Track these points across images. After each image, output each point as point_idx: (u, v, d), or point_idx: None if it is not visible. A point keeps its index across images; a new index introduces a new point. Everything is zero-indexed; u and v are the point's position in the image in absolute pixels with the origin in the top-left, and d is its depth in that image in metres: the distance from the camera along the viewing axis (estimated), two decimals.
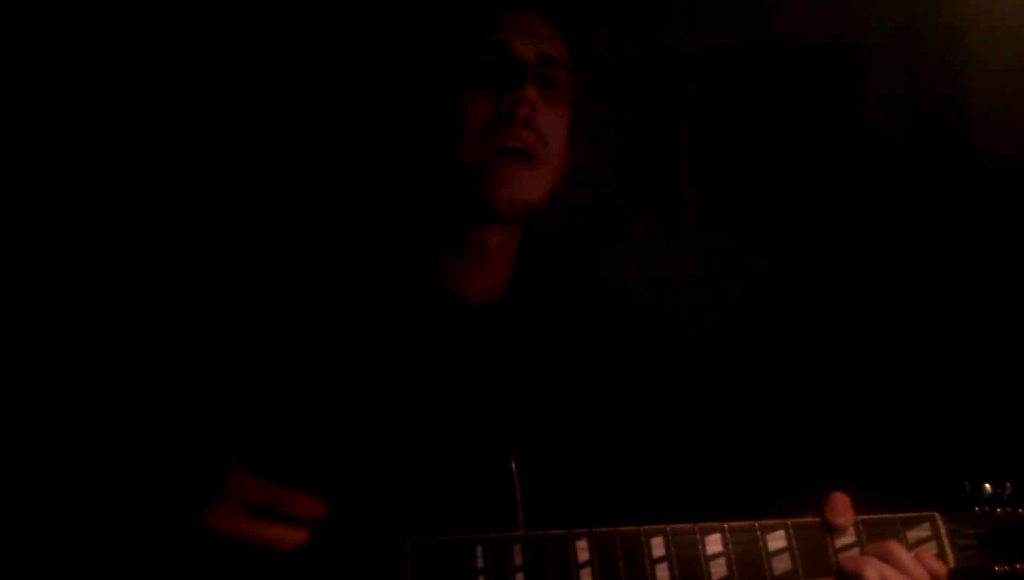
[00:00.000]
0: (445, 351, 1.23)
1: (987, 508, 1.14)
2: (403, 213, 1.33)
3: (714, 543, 1.07)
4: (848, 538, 1.10)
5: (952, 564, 1.10)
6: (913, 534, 1.11)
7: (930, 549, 1.10)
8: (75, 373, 1.17)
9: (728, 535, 1.08)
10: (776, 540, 1.09)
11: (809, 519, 1.11)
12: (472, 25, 1.24)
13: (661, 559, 1.06)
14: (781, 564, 1.08)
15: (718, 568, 1.07)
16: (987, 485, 1.15)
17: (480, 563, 1.03)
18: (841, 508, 1.10)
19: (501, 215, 1.23)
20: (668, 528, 1.07)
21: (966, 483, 1.16)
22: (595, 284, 1.41)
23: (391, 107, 1.33)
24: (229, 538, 0.97)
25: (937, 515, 1.13)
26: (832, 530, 1.10)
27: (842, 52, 2.96)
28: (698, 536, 1.07)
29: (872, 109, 2.95)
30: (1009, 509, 1.14)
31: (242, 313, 1.19)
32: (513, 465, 1.08)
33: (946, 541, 1.11)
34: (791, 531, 1.09)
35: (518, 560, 1.04)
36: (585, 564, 1.05)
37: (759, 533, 1.09)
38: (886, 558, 1.07)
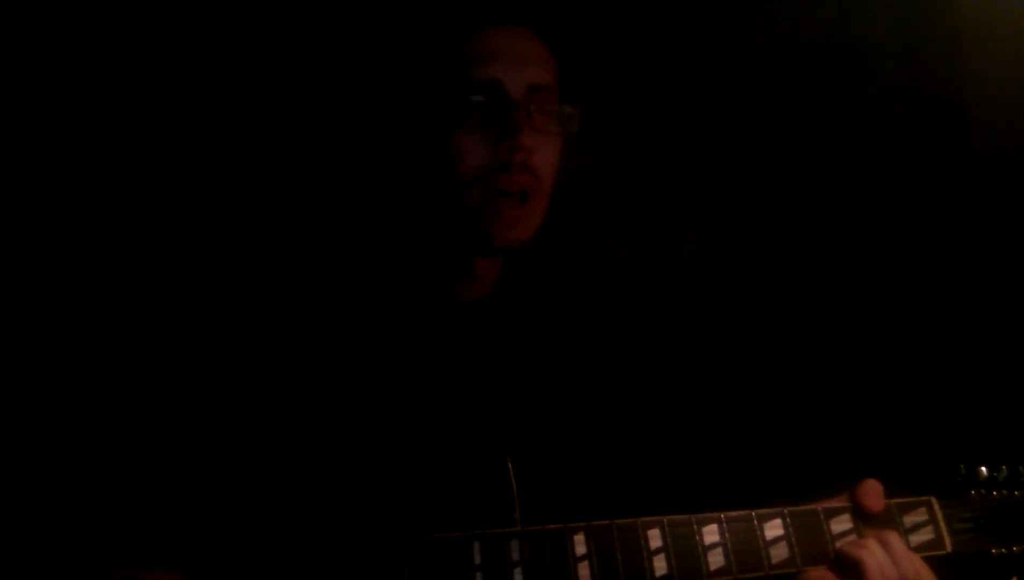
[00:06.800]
0: (442, 349, 1.24)
1: (983, 491, 1.14)
2: (402, 228, 1.34)
3: (711, 533, 1.07)
4: (845, 525, 1.10)
5: (949, 548, 1.10)
6: (910, 519, 1.11)
7: (927, 533, 1.10)
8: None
9: (725, 525, 1.08)
10: (773, 529, 1.09)
11: (806, 507, 1.11)
12: (458, 50, 1.23)
13: (659, 550, 1.06)
14: (779, 552, 1.08)
15: (716, 558, 1.07)
16: (983, 468, 1.15)
17: (478, 559, 1.03)
18: (875, 493, 1.11)
19: (499, 250, 1.27)
20: (665, 520, 1.07)
21: (962, 467, 1.16)
22: (579, 281, 1.43)
23: (388, 143, 1.34)
24: None
25: (933, 500, 1.13)
26: (864, 512, 1.10)
27: (842, 52, 2.96)
28: (695, 527, 1.07)
29: (872, 109, 2.94)
30: (1005, 492, 1.14)
31: (243, 305, 1.21)
32: (509, 461, 1.08)
33: (943, 525, 1.11)
34: (788, 519, 1.09)
35: (516, 556, 1.03)
36: (583, 557, 1.04)
37: (756, 522, 1.09)
38: (884, 546, 1.07)
